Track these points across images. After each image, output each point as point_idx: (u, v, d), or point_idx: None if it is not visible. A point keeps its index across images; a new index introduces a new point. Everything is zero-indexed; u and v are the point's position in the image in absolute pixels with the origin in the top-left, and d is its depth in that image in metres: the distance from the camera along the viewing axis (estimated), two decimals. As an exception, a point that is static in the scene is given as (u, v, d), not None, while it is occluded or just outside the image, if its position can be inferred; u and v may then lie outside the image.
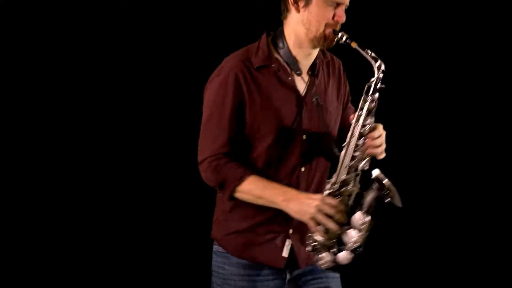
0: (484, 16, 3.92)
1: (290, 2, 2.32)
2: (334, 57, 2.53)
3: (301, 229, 2.38)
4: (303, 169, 2.36)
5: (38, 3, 3.56)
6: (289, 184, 2.34)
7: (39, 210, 3.66)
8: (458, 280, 4.00)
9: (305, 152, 2.37)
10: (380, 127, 2.31)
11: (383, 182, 2.28)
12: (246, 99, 2.31)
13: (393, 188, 2.28)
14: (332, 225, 2.24)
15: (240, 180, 2.30)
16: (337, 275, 2.52)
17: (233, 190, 2.32)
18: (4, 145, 3.60)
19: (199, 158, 2.37)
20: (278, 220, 2.36)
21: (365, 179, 2.30)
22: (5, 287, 3.63)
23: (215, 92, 2.33)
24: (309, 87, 2.39)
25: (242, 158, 2.34)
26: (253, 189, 2.30)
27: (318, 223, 2.25)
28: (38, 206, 3.66)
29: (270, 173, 2.33)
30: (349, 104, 2.58)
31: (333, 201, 2.25)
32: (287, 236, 2.39)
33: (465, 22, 3.92)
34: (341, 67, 2.54)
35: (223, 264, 2.42)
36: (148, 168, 3.76)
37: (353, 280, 3.04)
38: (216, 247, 2.45)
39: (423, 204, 3.91)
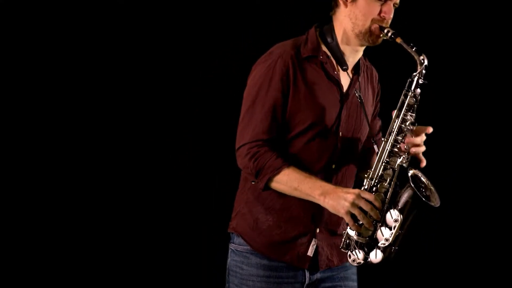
0: (484, 16, 3.88)
1: None
2: (373, 67, 2.54)
3: (327, 229, 2.35)
4: (333, 166, 2.33)
5: (38, 3, 3.56)
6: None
7: (38, 209, 3.64)
8: (458, 280, 3.94)
9: (338, 149, 2.34)
10: (423, 130, 2.29)
11: (421, 179, 2.23)
12: (291, 87, 2.28)
13: (431, 187, 2.24)
14: (366, 221, 2.20)
15: (278, 169, 2.25)
16: (355, 283, 2.48)
17: (270, 179, 2.27)
18: (3, 145, 3.59)
19: (238, 144, 2.32)
20: (305, 218, 2.32)
21: (403, 178, 2.25)
22: (5, 287, 3.63)
23: (262, 76, 2.30)
24: (352, 84, 2.38)
25: (280, 148, 2.31)
26: (290, 180, 2.26)
27: (354, 218, 2.21)
28: (37, 205, 3.64)
29: (302, 167, 2.29)
30: (377, 117, 2.57)
31: (369, 196, 2.21)
32: (314, 235, 2.34)
33: (465, 22, 3.89)
34: (377, 77, 2.54)
35: (242, 264, 2.37)
36: (149, 167, 3.74)
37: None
38: (234, 246, 2.40)
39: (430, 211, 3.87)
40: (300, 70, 2.29)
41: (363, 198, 2.20)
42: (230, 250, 2.41)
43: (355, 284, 2.48)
